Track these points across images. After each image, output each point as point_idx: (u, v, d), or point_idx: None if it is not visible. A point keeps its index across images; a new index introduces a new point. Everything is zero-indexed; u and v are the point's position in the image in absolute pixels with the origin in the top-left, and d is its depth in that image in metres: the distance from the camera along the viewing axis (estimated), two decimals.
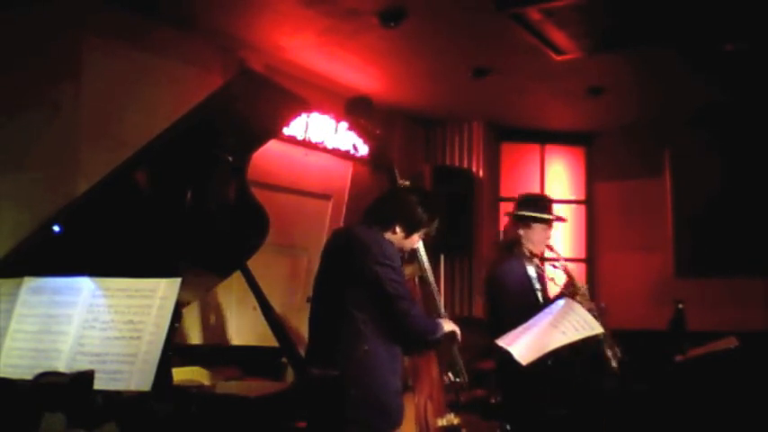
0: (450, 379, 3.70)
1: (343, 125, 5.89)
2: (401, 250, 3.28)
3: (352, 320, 3.05)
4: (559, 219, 4.31)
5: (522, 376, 3.69)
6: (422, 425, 3.29)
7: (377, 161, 3.52)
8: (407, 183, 3.57)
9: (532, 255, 4.14)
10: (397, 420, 3.13)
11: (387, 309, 3.08)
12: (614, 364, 4.00)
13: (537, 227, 4.09)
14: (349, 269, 3.10)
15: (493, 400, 3.98)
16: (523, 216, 4.11)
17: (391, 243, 3.19)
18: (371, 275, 3.04)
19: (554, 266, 4.33)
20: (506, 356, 3.63)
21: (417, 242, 3.41)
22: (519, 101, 6.54)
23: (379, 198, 3.42)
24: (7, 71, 3.80)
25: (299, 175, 5.55)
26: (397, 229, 3.24)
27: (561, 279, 4.19)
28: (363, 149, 6.08)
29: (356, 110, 3.59)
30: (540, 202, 4.23)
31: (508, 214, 4.31)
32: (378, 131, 3.58)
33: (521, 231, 4.09)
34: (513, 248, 4.10)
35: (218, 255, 2.46)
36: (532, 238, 4.08)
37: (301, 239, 5.57)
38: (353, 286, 3.08)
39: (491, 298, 4.16)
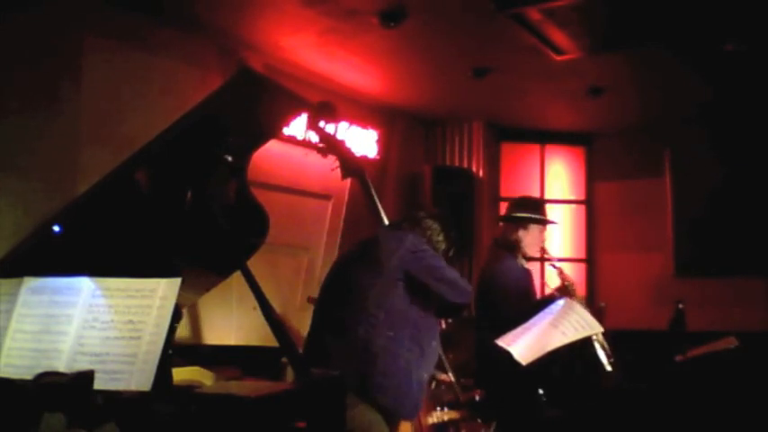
0: (450, 378, 3.72)
1: (343, 125, 5.88)
2: None
3: (376, 313, 3.01)
4: (551, 222, 4.39)
5: (502, 375, 3.73)
6: (414, 424, 3.33)
7: (343, 167, 3.52)
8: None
9: (526, 257, 4.20)
10: (412, 412, 3.13)
11: (430, 288, 3.08)
12: (608, 367, 4.01)
13: (533, 228, 4.14)
14: (378, 263, 3.08)
15: (477, 397, 4.01)
16: (521, 218, 4.15)
17: (420, 238, 3.23)
18: (413, 265, 3.06)
19: (553, 266, 4.38)
20: (490, 355, 3.67)
21: None
22: (519, 101, 6.54)
23: (403, 220, 3.41)
24: (8, 71, 3.80)
25: (299, 175, 5.55)
26: None
27: (555, 281, 4.27)
28: (372, 151, 6.12)
29: (318, 115, 3.58)
30: (536, 205, 4.31)
31: (503, 218, 4.36)
32: (336, 138, 3.60)
33: (520, 233, 4.12)
34: (513, 249, 4.14)
35: (219, 254, 2.45)
36: (529, 241, 4.14)
37: (301, 239, 5.57)
38: (382, 279, 3.04)
39: (487, 296, 4.17)
